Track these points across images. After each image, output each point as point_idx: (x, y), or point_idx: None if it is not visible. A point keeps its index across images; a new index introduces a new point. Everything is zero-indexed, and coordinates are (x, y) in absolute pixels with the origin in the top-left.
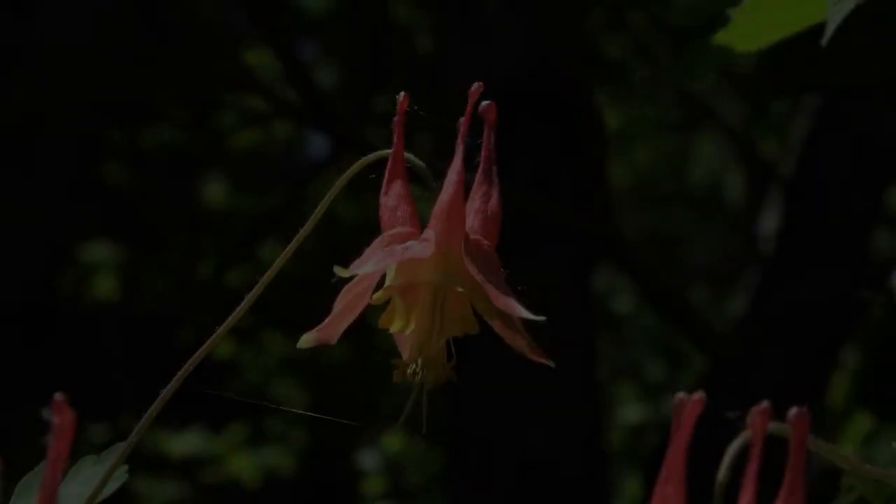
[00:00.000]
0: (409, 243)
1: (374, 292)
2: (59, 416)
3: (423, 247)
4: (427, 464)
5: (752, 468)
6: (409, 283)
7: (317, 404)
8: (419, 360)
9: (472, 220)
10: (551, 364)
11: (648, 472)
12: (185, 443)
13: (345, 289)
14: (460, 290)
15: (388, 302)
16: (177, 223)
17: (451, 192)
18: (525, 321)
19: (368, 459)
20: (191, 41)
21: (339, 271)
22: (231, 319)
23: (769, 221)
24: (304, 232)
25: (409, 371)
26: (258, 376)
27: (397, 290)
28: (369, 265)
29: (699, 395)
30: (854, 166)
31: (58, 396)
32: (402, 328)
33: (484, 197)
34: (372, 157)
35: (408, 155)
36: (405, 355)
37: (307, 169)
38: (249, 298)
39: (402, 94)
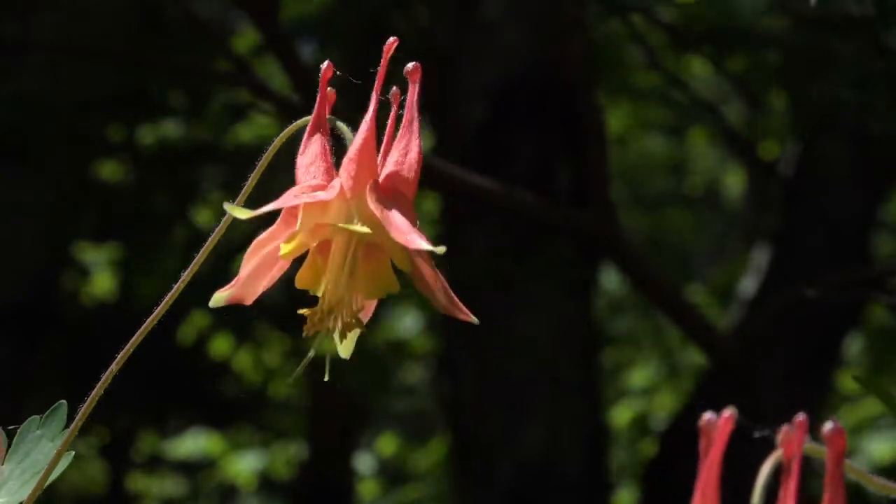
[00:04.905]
0: (316, 192)
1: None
2: None
3: (327, 191)
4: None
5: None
6: (315, 226)
7: (316, 405)
8: (325, 308)
9: (390, 171)
10: (474, 320)
11: (648, 474)
12: (185, 444)
13: (253, 244)
14: (362, 229)
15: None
16: (175, 220)
17: (361, 140)
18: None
19: (365, 461)
20: (190, 38)
21: (231, 209)
22: (187, 274)
23: (769, 222)
24: (243, 194)
25: (317, 320)
26: (258, 376)
27: (307, 237)
28: (269, 206)
29: (729, 413)
30: (854, 166)
31: None
32: (318, 286)
33: (404, 149)
34: (300, 122)
35: (329, 117)
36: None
37: None
38: (195, 262)
39: (327, 62)
